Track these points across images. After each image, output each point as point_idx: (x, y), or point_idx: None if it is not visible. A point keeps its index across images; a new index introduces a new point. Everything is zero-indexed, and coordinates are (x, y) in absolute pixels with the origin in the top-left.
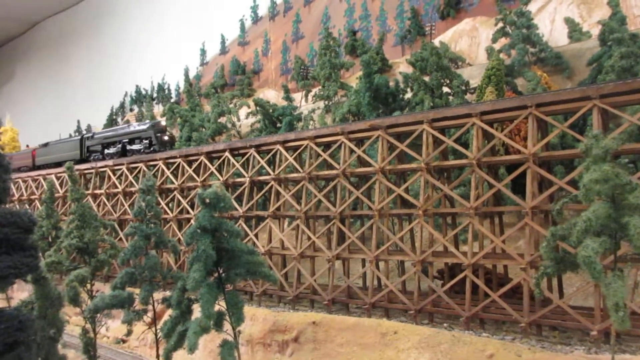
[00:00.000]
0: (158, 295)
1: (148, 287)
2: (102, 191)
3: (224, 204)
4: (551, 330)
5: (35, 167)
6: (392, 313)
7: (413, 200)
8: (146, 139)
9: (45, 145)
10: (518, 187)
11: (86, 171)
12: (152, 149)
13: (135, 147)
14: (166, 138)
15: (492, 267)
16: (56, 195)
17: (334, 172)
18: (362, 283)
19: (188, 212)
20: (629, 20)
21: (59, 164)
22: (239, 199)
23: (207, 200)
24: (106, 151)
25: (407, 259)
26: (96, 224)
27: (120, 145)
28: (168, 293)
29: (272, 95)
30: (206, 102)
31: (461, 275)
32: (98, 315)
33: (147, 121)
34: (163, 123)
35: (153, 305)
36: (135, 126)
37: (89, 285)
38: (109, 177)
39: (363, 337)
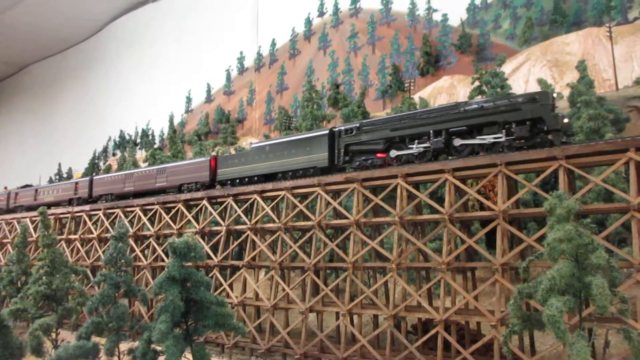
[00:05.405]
0: (125, 346)
1: (114, 337)
2: (77, 236)
3: (194, 254)
4: None
5: (214, 184)
6: None
7: (386, 254)
8: (522, 122)
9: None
10: (492, 243)
11: (62, 215)
12: (536, 141)
13: (484, 138)
14: (567, 120)
15: (464, 323)
16: (30, 239)
17: (310, 223)
18: (336, 336)
19: (163, 260)
20: (597, 84)
21: (268, 177)
22: (214, 248)
23: (178, 250)
24: (394, 151)
25: (380, 313)
26: (66, 270)
27: (440, 139)
28: (136, 344)
29: None
30: (189, 148)
31: (433, 331)
32: None
33: (519, 94)
34: (554, 94)
35: (119, 357)
36: (485, 102)
37: (54, 334)
38: (85, 222)
39: None
